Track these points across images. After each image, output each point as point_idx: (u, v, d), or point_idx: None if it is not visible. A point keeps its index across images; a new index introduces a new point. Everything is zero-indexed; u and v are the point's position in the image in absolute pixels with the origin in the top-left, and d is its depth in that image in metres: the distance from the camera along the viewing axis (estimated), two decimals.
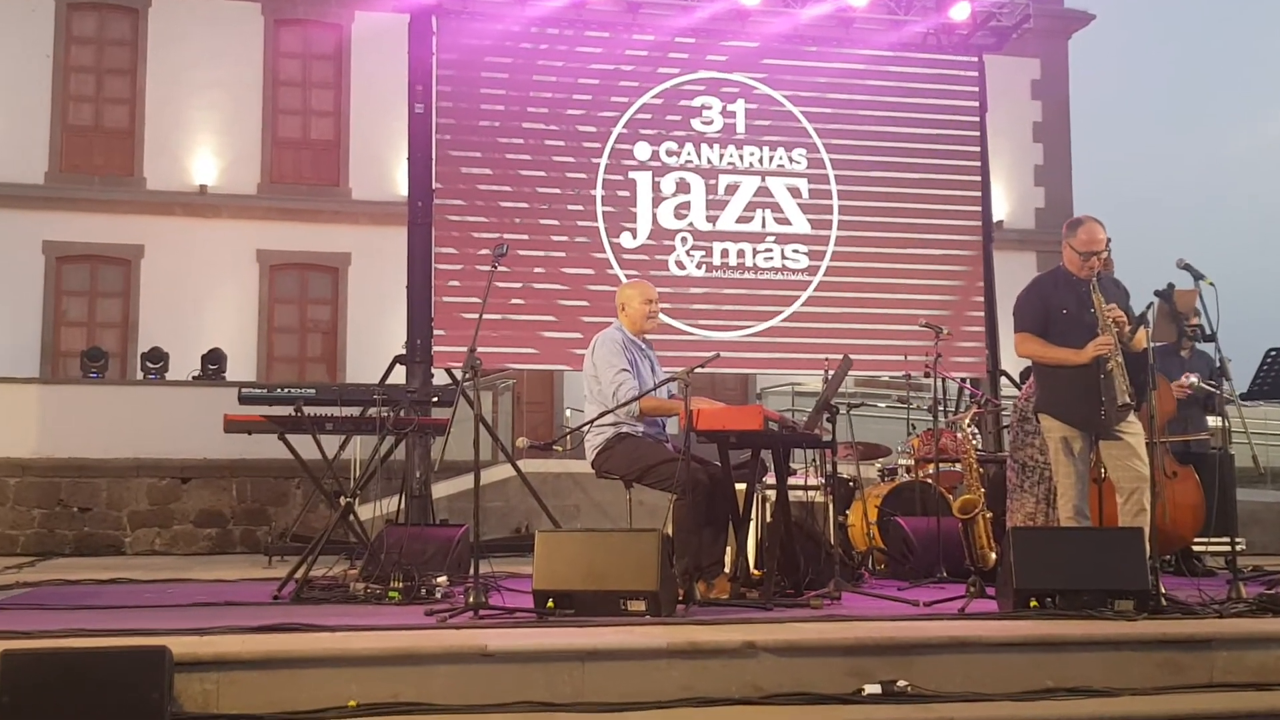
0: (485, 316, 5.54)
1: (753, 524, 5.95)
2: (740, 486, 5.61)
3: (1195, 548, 7.32)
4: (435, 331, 9.29)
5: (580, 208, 9.74)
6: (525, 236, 9.54)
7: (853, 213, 10.21)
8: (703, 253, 9.93)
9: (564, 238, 9.68)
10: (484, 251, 8.90)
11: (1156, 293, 5.97)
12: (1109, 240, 5.65)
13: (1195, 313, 6.71)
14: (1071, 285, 5.62)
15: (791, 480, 6.42)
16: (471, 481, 5.09)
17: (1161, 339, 7.01)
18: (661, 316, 9.59)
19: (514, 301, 9.43)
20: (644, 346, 5.83)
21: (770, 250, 10.04)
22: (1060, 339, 5.56)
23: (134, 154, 15.94)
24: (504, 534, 10.93)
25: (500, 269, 5.63)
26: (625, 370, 5.55)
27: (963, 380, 9.84)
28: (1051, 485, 6.12)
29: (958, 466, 7.56)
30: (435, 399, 7.15)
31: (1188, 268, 5.31)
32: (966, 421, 7.34)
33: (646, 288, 5.85)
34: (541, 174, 9.69)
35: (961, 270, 10.32)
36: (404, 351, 9.40)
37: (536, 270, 9.55)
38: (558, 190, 9.71)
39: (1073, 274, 5.63)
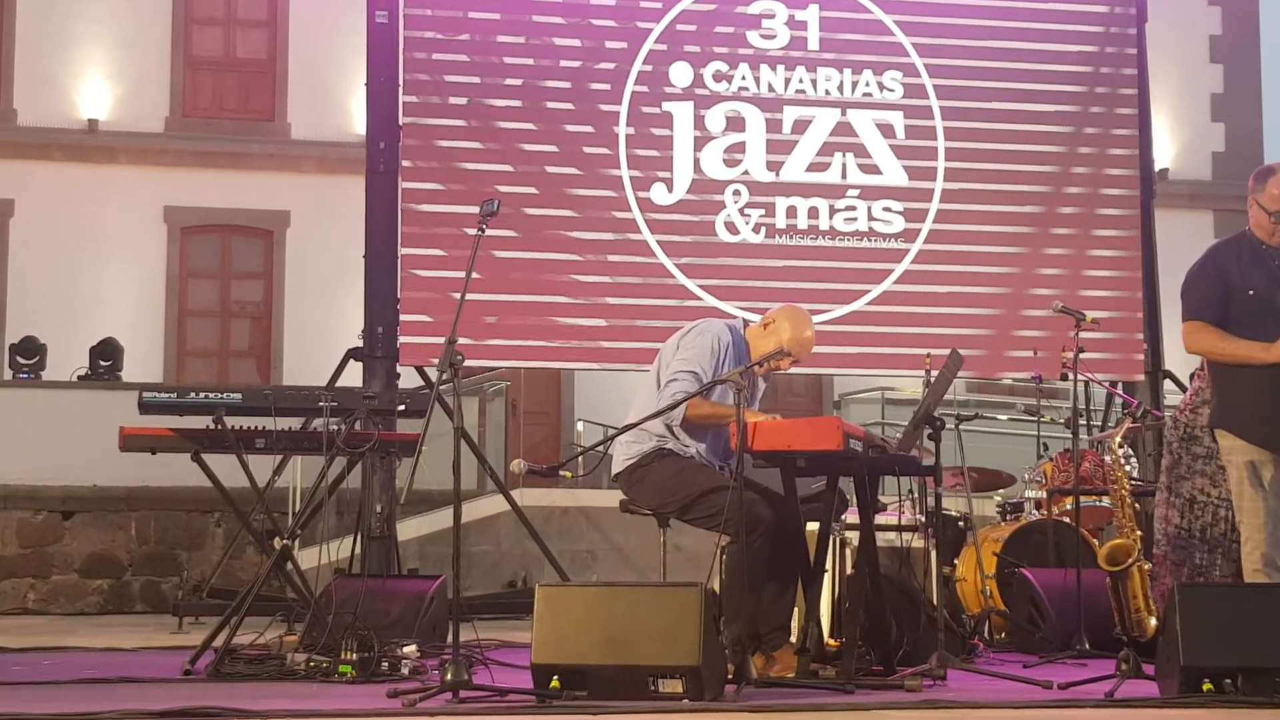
0: (469, 297, 5.55)
1: (828, 577, 5.94)
2: (812, 527, 5.61)
3: None
4: (402, 317, 9.32)
5: (600, 151, 9.75)
6: (525, 190, 9.56)
7: (964, 158, 10.17)
8: (761, 211, 9.92)
9: (577, 191, 9.69)
10: (468, 210, 8.91)
11: None
12: None
13: None
14: (1261, 257, 5.59)
15: (880, 519, 6.39)
16: (450, 518, 5.10)
17: None
18: (706, 298, 9.74)
19: (509, 277, 9.45)
20: (755, 375, 5.71)
21: (853, 209, 10.02)
22: (1245, 329, 5.53)
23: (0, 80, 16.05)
24: (493, 589, 10.98)
25: (490, 233, 5.64)
26: (694, 373, 5.56)
27: (1113, 384, 9.79)
28: (1229, 528, 6.06)
29: (1106, 501, 7.52)
30: (402, 407, 7.17)
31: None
32: (1118, 440, 7.32)
33: (811, 334, 5.83)
34: (547, 106, 9.71)
35: (1111, 237, 10.27)
36: (360, 344, 9.43)
37: (540, 235, 9.57)
38: (569, 128, 9.72)
39: (1263, 241, 5.60)
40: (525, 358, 9.88)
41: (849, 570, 6.32)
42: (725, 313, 9.54)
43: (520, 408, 15.05)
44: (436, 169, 9.53)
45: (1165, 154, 17.13)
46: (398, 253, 9.37)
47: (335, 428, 6.46)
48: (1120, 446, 7.32)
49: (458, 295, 5.42)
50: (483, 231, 5.44)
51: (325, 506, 8.18)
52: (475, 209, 5.84)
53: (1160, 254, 10.44)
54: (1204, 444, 6.24)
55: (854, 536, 6.03)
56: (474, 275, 5.60)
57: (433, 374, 8.50)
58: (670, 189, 9.83)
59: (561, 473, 5.64)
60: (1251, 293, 5.53)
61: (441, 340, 5.40)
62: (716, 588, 5.28)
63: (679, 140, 9.86)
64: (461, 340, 5.51)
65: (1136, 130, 10.43)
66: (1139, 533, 6.73)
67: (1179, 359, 8.33)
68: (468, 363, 5.32)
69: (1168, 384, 10.34)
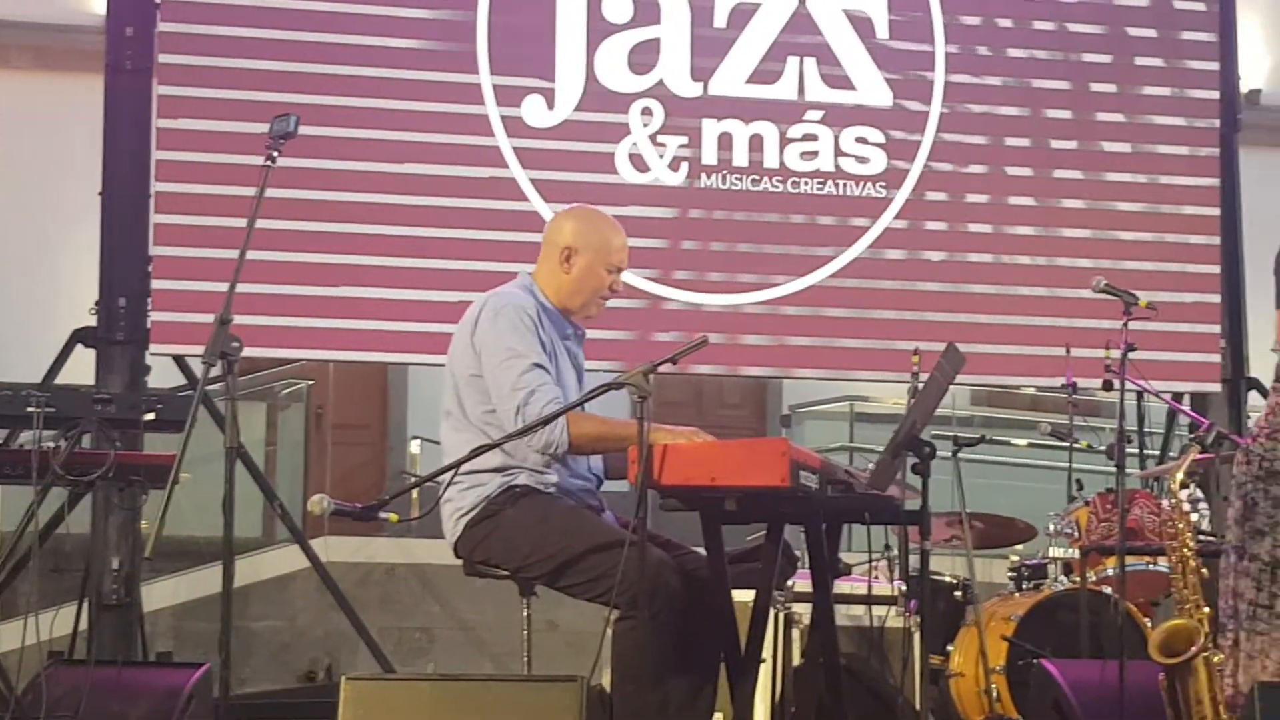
0: (254, 256, 5.50)
1: (766, 669, 5.95)
2: (744, 597, 5.62)
3: None
4: (155, 284, 9.23)
5: (447, 46, 9.70)
6: (336, 102, 9.50)
7: (972, 68, 10.26)
8: (682, 141, 9.92)
9: (412, 105, 9.64)
10: (253, 128, 8.83)
11: None
12: None
13: None
14: None
15: (843, 586, 6.42)
16: (219, 579, 5.05)
17: None
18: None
19: (313, 229, 9.39)
20: (571, 330, 5.92)
21: (813, 138, 10.06)
22: None
23: None
24: (284, 683, 10.90)
25: (285, 163, 5.58)
26: (540, 366, 5.62)
27: (1176, 398, 9.91)
28: None
29: (1163, 564, 7.60)
30: (152, 415, 7.10)
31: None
32: (1180, 477, 7.39)
33: (618, 231, 6.04)
34: None
35: (1177, 186, 10.39)
36: (93, 322, 9.33)
37: (357, 169, 9.52)
38: (401, 11, 9.66)
39: None
40: (335, 346, 9.81)
41: (796, 659, 6.33)
42: (634, 289, 9.54)
43: (329, 419, 14.95)
44: (207, 68, 9.44)
45: (1257, 71, 17.35)
46: (149, 190, 9.31)
47: (51, 445, 6.38)
48: (1184, 486, 7.38)
49: (235, 254, 5.37)
50: (274, 161, 5.39)
51: (34, 559, 8.06)
52: (264, 127, 5.79)
53: (1247, 211, 10.59)
54: None
55: (805, 611, 6.05)
56: (260, 225, 5.55)
57: (198, 368, 8.46)
58: (551, 105, 9.81)
59: (383, 515, 5.57)
60: None
61: (210, 319, 5.35)
62: (605, 682, 5.27)
63: (564, 33, 9.85)
64: (240, 320, 5.46)
65: (1215, 35, 10.56)
66: (1207, 610, 6.80)
67: (1270, 362, 8.43)
68: (249, 352, 5.27)
69: (1254, 397, 10.46)
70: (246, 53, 9.46)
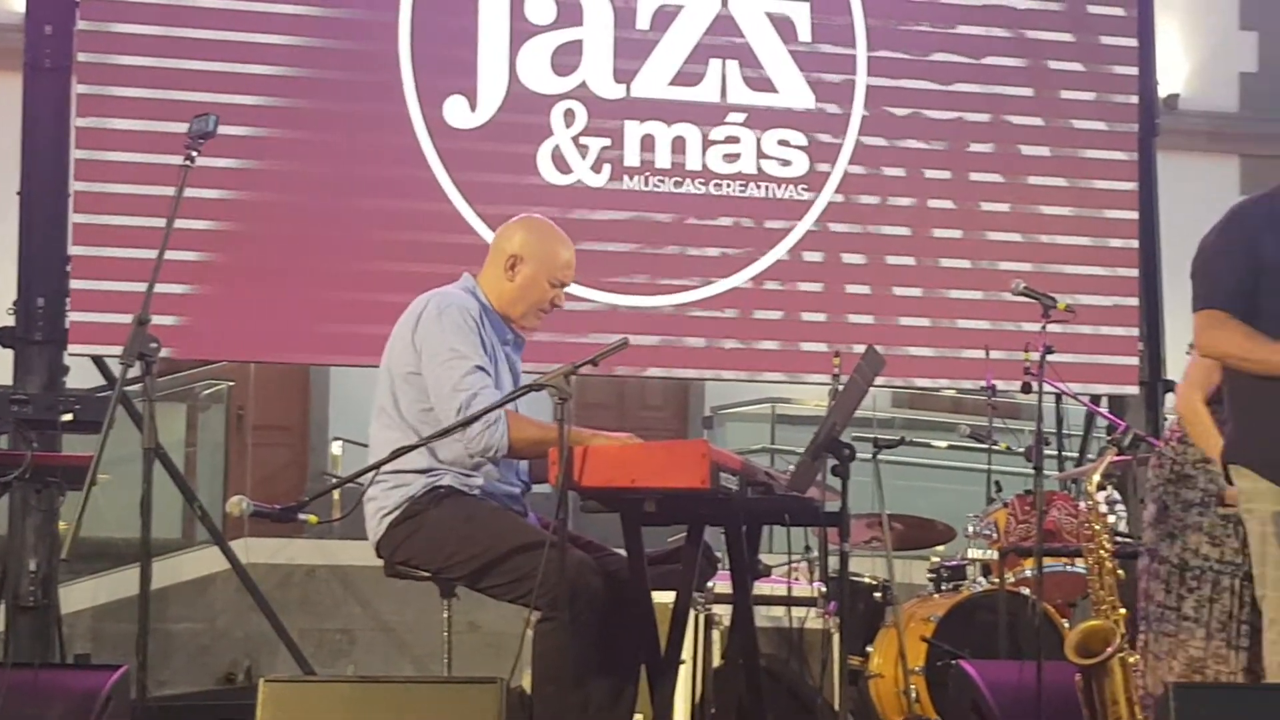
0: (172, 257, 5.47)
1: (686, 670, 5.95)
2: (664, 598, 5.63)
3: None
4: (73, 284, 9.17)
5: (369, 47, 9.67)
6: (257, 102, 9.46)
7: (895, 71, 10.28)
8: (605, 142, 9.91)
9: (334, 105, 9.61)
10: (172, 128, 8.78)
11: None
12: None
13: None
14: None
15: (763, 588, 6.43)
16: (137, 581, 5.02)
17: None
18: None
19: (232, 230, 9.35)
20: (511, 336, 5.94)
21: (735, 140, 10.07)
22: None
23: None
24: (203, 684, 10.85)
25: (204, 163, 5.56)
26: (482, 368, 5.62)
27: (1095, 400, 9.97)
28: (1239, 605, 6.22)
29: (1081, 565, 7.64)
30: (70, 415, 7.07)
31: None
32: (1097, 478, 7.44)
33: (567, 246, 6.06)
34: None
35: (1095, 189, 10.44)
36: (10, 322, 9.27)
37: (277, 169, 9.48)
38: (323, 11, 9.63)
39: None
40: (256, 348, 9.80)
41: (716, 660, 6.34)
42: None
43: (249, 420, 14.88)
44: (126, 67, 9.38)
45: (1175, 75, 17.47)
46: (68, 189, 9.23)
47: None
48: (1101, 488, 7.43)
49: (154, 254, 5.34)
50: (193, 161, 5.37)
51: None
52: (183, 127, 5.77)
53: (1165, 215, 10.66)
54: (1199, 485, 6.38)
55: (725, 613, 6.06)
56: (179, 225, 5.53)
57: (116, 368, 8.41)
58: (473, 106, 9.80)
59: (302, 516, 5.56)
60: None
61: (129, 319, 5.32)
62: (526, 684, 5.27)
63: (487, 34, 9.83)
64: (159, 320, 5.44)
65: (1134, 40, 10.62)
66: (1124, 611, 6.85)
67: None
68: (167, 353, 5.25)
69: (1171, 399, 10.47)
70: (166, 51, 9.39)
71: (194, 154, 5.37)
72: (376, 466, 5.53)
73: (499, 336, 5.82)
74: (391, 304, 9.33)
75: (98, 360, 9.37)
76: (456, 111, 9.74)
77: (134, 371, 5.59)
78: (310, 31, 9.58)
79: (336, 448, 15.36)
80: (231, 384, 13.96)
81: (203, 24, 9.45)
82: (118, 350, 5.80)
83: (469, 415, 5.45)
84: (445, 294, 5.83)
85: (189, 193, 5.62)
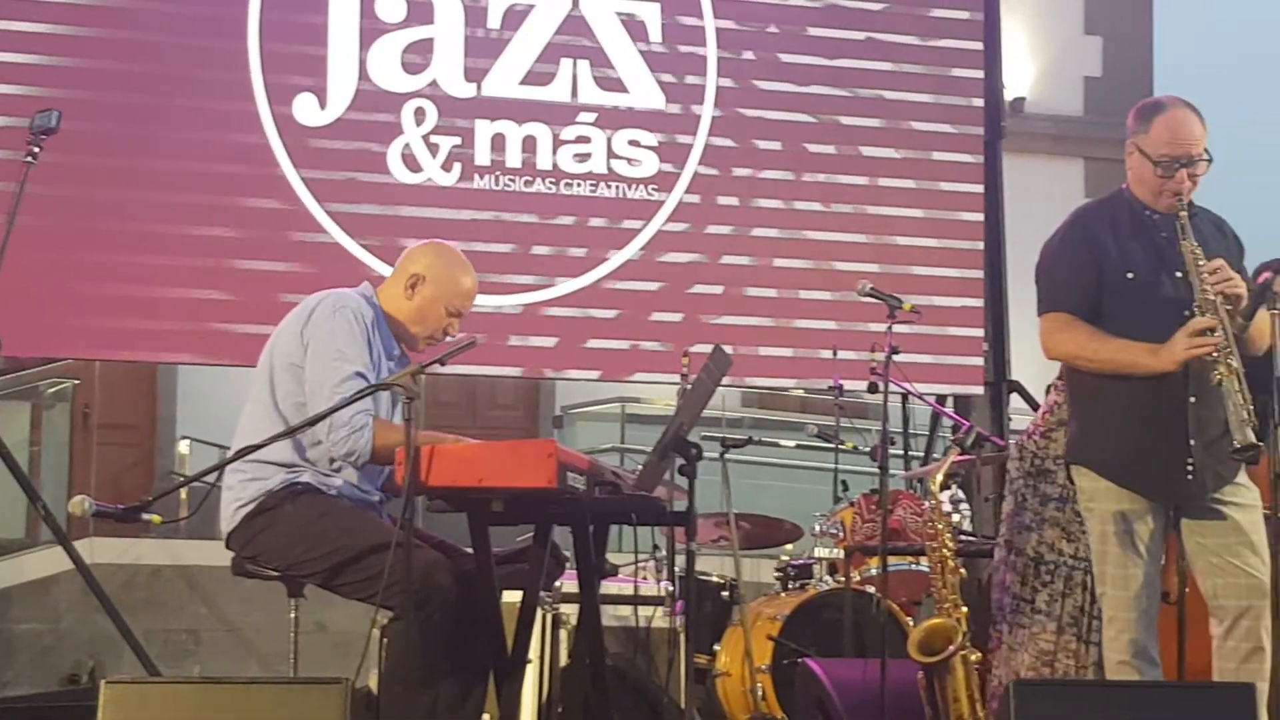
0: (15, 254, 5.41)
1: (533, 669, 5.95)
2: (511, 598, 5.64)
3: None
4: None
5: (217, 44, 9.58)
6: (100, 97, 9.35)
7: (744, 73, 10.32)
8: (455, 141, 9.90)
9: (180, 101, 9.51)
10: (13, 123, 8.66)
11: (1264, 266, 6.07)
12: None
13: None
14: (1143, 226, 5.77)
15: (609, 587, 6.43)
16: None
17: None
18: (372, 263, 9.64)
19: (76, 226, 9.22)
20: (398, 352, 5.91)
21: (586, 140, 10.08)
22: (1124, 325, 5.69)
23: None
24: (46, 686, 10.72)
25: (49, 159, 5.51)
26: (362, 375, 5.59)
27: (940, 400, 10.06)
28: (1089, 600, 6.30)
29: (925, 564, 7.70)
30: None
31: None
32: (940, 478, 7.49)
33: (470, 276, 6.02)
34: None
35: (941, 192, 10.54)
36: None
37: (123, 165, 9.38)
38: (169, 6, 9.54)
39: (1145, 205, 5.78)
40: (101, 346, 9.68)
41: (564, 660, 6.34)
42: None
43: (95, 419, 14.72)
44: None
45: (1021, 78, 17.64)
46: None
47: None
48: (945, 487, 7.47)
49: None
50: (34, 158, 5.33)
51: None
52: (24, 122, 5.72)
53: (1011, 217, 10.76)
54: (1058, 481, 6.44)
55: (572, 612, 6.06)
56: (21, 223, 5.47)
57: None
58: (323, 104, 9.75)
59: (145, 516, 5.51)
60: (1130, 276, 5.69)
61: None
62: (372, 684, 5.25)
63: (337, 32, 9.79)
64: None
65: (980, 43, 10.73)
66: (964, 609, 6.90)
67: (1035, 366, 8.57)
68: (8, 351, 5.19)
69: (1016, 400, 10.62)
70: (10, 46, 9.26)
71: (36, 150, 5.32)
72: (242, 454, 5.48)
73: (385, 350, 5.78)
74: (238, 302, 9.40)
75: None
76: (306, 109, 9.69)
77: None
78: (157, 27, 9.50)
79: (184, 447, 15.20)
80: (77, 382, 13.78)
81: (48, 19, 9.33)
82: None
83: (324, 411, 5.41)
84: (343, 295, 5.80)
85: (31, 188, 5.57)
